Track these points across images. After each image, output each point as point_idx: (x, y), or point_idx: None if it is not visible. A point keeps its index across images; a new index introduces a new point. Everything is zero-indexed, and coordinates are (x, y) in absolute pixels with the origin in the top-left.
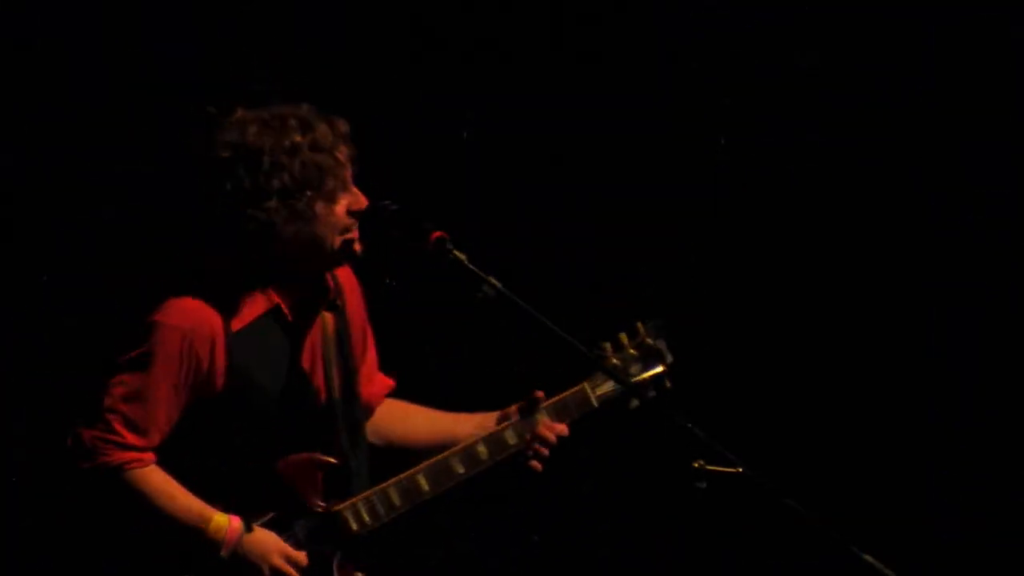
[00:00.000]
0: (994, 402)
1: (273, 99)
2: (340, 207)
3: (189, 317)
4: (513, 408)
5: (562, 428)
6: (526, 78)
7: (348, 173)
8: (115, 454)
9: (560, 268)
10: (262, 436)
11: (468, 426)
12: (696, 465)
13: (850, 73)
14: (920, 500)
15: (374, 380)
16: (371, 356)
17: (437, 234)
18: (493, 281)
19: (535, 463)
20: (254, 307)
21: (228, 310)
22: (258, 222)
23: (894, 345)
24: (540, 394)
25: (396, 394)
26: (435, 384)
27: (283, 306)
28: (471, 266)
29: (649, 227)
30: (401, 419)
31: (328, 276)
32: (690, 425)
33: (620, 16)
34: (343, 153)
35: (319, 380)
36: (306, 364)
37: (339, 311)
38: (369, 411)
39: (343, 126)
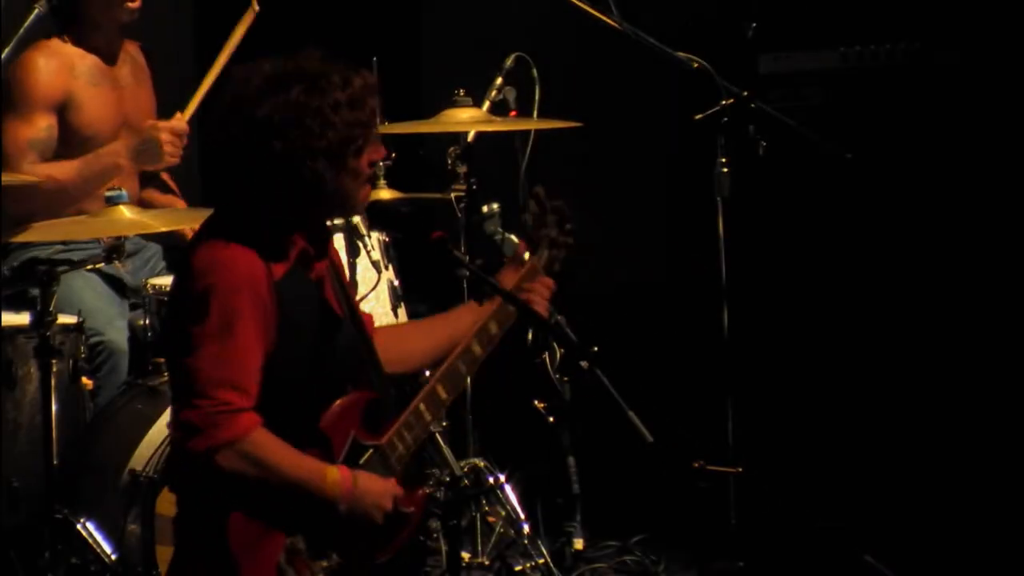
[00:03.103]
0: (994, 402)
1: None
2: (365, 159)
3: (244, 269)
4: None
5: (548, 282)
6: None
7: (376, 126)
8: (232, 424)
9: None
10: (315, 380)
11: (464, 321)
12: (696, 465)
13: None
14: (920, 500)
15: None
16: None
17: (437, 234)
18: (494, 281)
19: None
20: (287, 253)
21: (268, 259)
22: (306, 179)
23: (894, 344)
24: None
25: None
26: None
27: (309, 249)
28: (472, 266)
29: (649, 226)
30: (397, 341)
31: None
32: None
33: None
34: (373, 106)
35: (343, 314)
36: (331, 301)
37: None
38: None
39: (371, 77)
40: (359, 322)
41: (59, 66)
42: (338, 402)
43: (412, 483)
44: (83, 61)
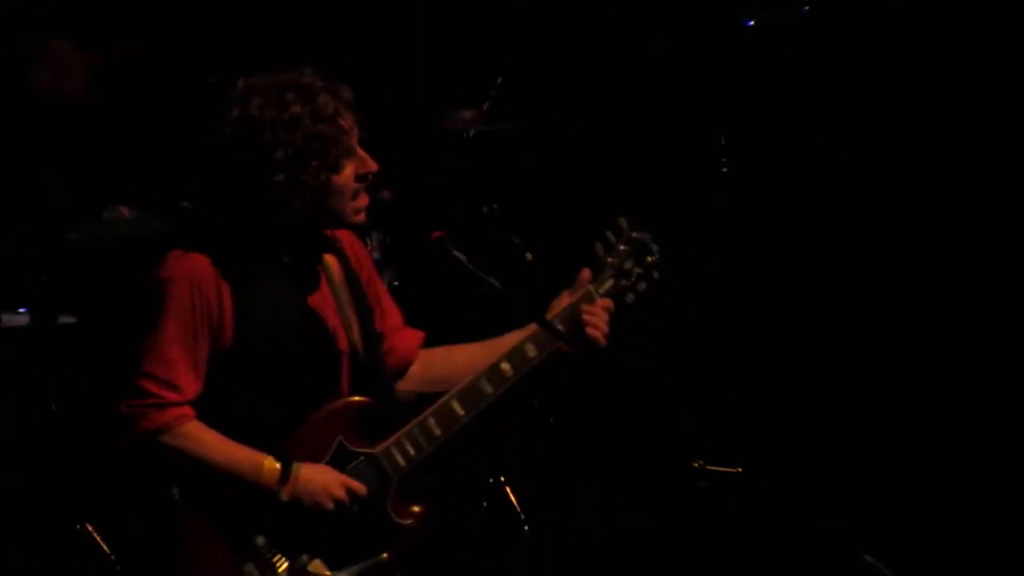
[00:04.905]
0: (994, 402)
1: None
2: (347, 174)
3: (191, 265)
4: (549, 313)
5: (606, 302)
6: (527, 76)
7: (353, 139)
8: (156, 416)
9: (557, 268)
10: (283, 382)
11: (509, 344)
12: (696, 465)
13: (849, 71)
14: (920, 500)
15: (403, 334)
16: (394, 311)
17: (437, 234)
18: (493, 281)
19: (592, 331)
20: (261, 263)
21: (230, 261)
22: (266, 195)
23: (894, 343)
24: (585, 279)
25: None
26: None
27: (292, 262)
28: (471, 266)
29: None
30: (443, 362)
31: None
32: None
33: (622, 15)
34: (347, 120)
35: (333, 322)
36: (316, 307)
37: (341, 255)
38: (406, 363)
39: (346, 92)
40: (370, 336)
41: None
42: (324, 407)
43: (413, 497)
44: None
